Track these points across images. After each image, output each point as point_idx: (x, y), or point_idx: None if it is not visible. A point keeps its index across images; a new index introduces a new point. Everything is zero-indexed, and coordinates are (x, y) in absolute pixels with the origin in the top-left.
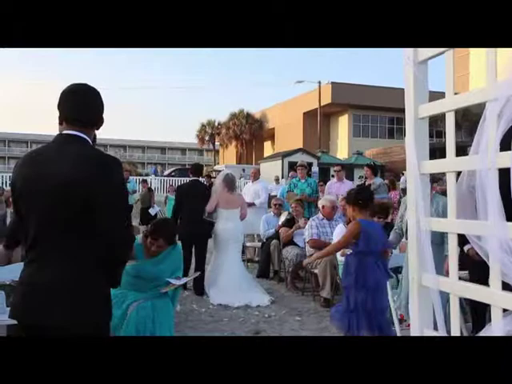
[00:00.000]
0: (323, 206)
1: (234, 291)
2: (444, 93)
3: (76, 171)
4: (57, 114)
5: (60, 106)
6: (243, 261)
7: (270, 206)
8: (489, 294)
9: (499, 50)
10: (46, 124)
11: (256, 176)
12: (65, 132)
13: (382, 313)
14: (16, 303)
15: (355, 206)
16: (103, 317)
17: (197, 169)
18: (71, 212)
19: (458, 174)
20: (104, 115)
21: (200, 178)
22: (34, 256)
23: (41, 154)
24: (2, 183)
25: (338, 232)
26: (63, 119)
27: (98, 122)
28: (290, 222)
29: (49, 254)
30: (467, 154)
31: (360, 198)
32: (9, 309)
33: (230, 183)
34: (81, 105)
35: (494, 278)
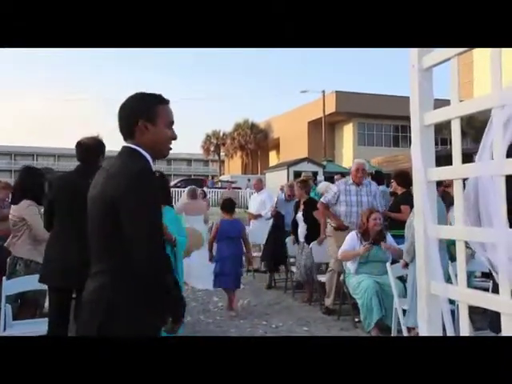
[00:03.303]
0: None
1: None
2: (449, 100)
3: (105, 185)
4: (62, 126)
5: None
6: (249, 271)
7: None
8: (498, 301)
9: (504, 56)
10: (53, 137)
11: (259, 187)
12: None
13: (225, 274)
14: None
15: (222, 210)
16: (136, 331)
17: None
18: (105, 225)
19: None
20: (111, 128)
21: None
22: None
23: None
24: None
25: (349, 239)
26: None
27: (133, 130)
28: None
29: (94, 266)
30: (473, 162)
31: (224, 205)
32: (15, 322)
33: (191, 193)
34: (118, 121)
35: (503, 285)
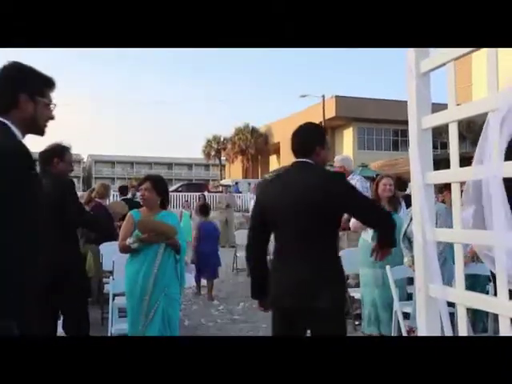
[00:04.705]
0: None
1: None
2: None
3: (308, 189)
4: (61, 128)
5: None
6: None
7: None
8: (496, 303)
9: (500, 59)
10: (52, 140)
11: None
12: (295, 160)
13: (208, 267)
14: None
15: (200, 214)
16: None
17: (122, 189)
18: (313, 219)
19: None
20: (114, 133)
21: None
22: (289, 252)
23: (282, 177)
24: None
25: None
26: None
27: (312, 151)
28: None
29: (303, 252)
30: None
31: (201, 210)
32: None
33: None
34: (294, 138)
35: (501, 287)
